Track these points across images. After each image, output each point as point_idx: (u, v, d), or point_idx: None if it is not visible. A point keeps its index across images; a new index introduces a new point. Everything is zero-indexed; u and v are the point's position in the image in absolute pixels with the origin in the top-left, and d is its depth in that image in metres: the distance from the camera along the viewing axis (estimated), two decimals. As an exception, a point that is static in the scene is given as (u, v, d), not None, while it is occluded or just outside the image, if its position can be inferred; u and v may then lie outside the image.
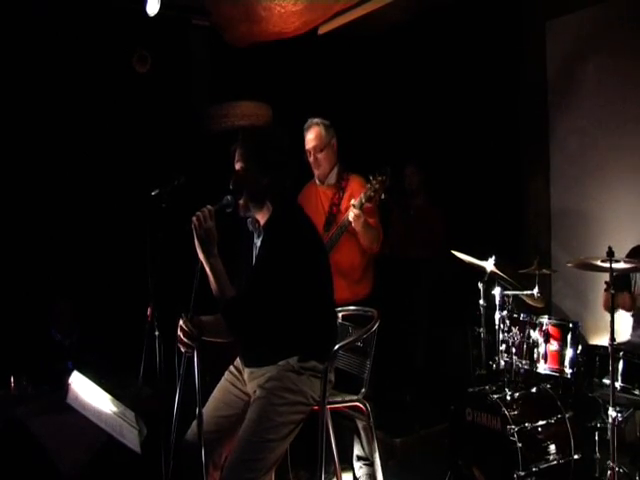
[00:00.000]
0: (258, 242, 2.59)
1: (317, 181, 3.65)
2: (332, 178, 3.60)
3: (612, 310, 2.98)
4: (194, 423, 2.43)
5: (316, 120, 3.56)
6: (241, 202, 2.52)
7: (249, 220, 2.62)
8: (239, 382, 2.61)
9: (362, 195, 3.33)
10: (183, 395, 2.44)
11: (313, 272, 2.50)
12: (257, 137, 2.59)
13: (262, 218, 2.58)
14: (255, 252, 2.61)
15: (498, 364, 3.56)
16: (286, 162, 2.56)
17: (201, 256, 2.40)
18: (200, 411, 2.37)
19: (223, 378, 2.67)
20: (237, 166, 2.55)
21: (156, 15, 3.97)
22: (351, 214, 3.32)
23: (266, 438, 2.33)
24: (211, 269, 2.41)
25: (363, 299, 3.36)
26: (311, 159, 3.55)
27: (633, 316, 3.66)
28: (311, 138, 3.53)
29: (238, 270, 2.60)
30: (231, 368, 2.68)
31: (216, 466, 2.47)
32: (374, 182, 3.30)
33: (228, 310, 2.42)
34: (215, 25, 4.71)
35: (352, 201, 3.35)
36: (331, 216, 3.55)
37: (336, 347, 2.57)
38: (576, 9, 4.59)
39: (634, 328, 3.66)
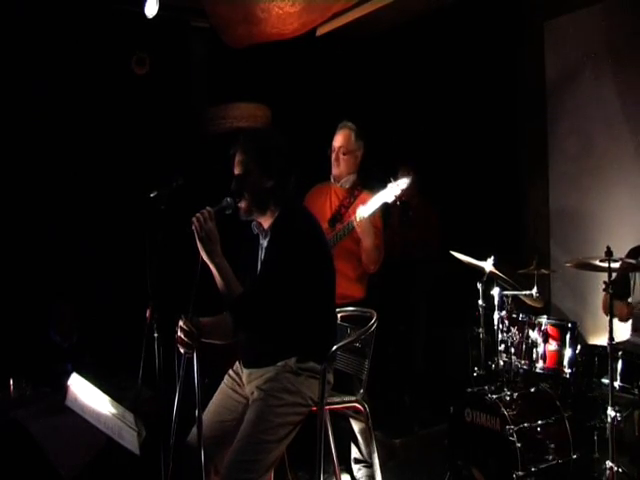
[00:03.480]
0: (264, 243, 2.59)
1: (332, 179, 3.66)
2: (347, 183, 3.61)
3: (611, 310, 2.99)
4: (195, 427, 2.43)
5: (350, 124, 3.59)
6: (243, 206, 2.51)
7: (253, 223, 2.62)
8: (238, 386, 2.61)
9: (375, 200, 3.25)
10: (182, 396, 2.44)
11: (319, 273, 2.51)
12: (259, 140, 2.57)
13: (266, 221, 2.58)
14: (261, 253, 2.61)
15: (497, 364, 3.56)
16: (288, 165, 2.56)
17: (205, 257, 2.39)
18: (200, 413, 2.37)
19: (222, 383, 2.67)
20: (237, 169, 2.53)
21: (154, 17, 3.98)
22: (357, 218, 3.26)
23: (264, 439, 2.33)
24: (217, 269, 2.40)
25: (359, 300, 3.36)
26: (333, 156, 3.58)
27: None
28: (340, 138, 3.56)
29: (243, 271, 2.60)
30: (230, 372, 2.67)
31: (218, 471, 2.46)
32: (397, 185, 3.22)
33: (236, 306, 2.41)
34: (214, 26, 4.71)
35: (360, 207, 3.29)
36: (338, 215, 3.55)
37: (334, 348, 2.58)
38: (574, 9, 4.60)
39: (633, 328, 3.67)
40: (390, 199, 3.26)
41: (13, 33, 4.15)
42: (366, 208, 3.26)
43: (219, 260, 2.40)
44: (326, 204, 3.58)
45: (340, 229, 3.44)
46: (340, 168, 3.58)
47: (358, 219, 3.27)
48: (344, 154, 3.55)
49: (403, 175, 3.34)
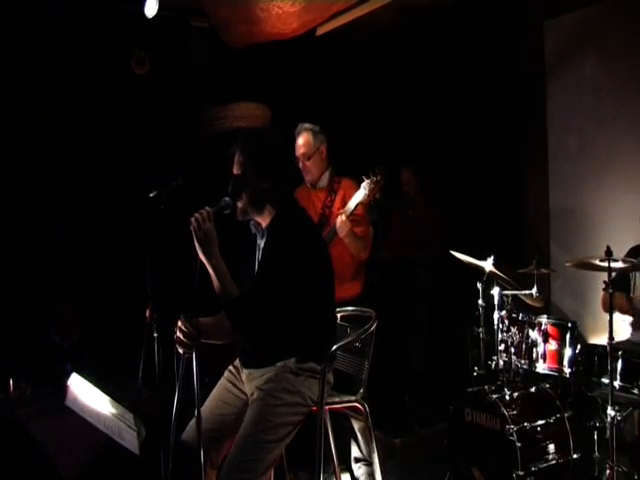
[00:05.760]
0: (262, 243, 2.59)
1: (308, 185, 3.69)
2: (323, 182, 3.65)
3: (610, 309, 2.98)
4: (191, 422, 2.43)
5: (305, 126, 3.59)
6: (240, 206, 2.52)
7: (251, 223, 2.62)
8: (238, 381, 2.61)
9: (352, 200, 3.37)
10: (182, 396, 2.45)
11: (317, 273, 2.51)
12: (256, 141, 2.58)
13: (263, 220, 2.57)
14: (258, 253, 2.61)
15: (497, 364, 3.56)
16: (285, 166, 2.56)
17: (202, 257, 2.39)
18: (199, 412, 2.37)
19: (222, 377, 2.67)
20: (235, 170, 2.54)
21: (154, 17, 3.98)
22: (338, 220, 3.36)
23: (264, 439, 2.33)
24: (214, 270, 2.40)
25: (355, 297, 3.40)
26: (300, 165, 3.60)
27: (633, 315, 3.66)
28: (300, 145, 3.57)
29: (240, 271, 2.60)
30: (230, 367, 2.68)
31: (213, 465, 2.47)
32: (368, 184, 3.34)
33: (233, 309, 2.41)
34: (213, 26, 4.72)
35: (342, 210, 3.41)
36: (323, 217, 3.59)
37: (334, 347, 2.58)
38: (574, 9, 4.60)
39: (633, 327, 3.66)
40: (362, 198, 3.35)
41: (14, 33, 4.15)
42: (344, 210, 3.38)
43: (216, 262, 2.40)
44: (310, 210, 3.56)
45: (328, 231, 3.48)
46: (311, 173, 3.61)
47: (338, 223, 3.36)
48: (308, 159, 3.56)
49: (375, 174, 3.38)
